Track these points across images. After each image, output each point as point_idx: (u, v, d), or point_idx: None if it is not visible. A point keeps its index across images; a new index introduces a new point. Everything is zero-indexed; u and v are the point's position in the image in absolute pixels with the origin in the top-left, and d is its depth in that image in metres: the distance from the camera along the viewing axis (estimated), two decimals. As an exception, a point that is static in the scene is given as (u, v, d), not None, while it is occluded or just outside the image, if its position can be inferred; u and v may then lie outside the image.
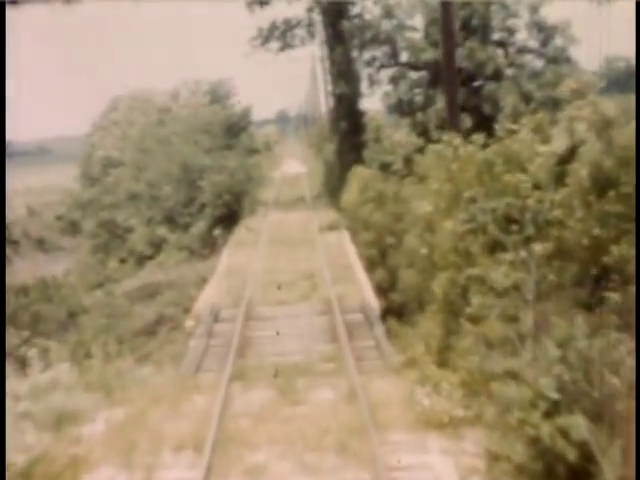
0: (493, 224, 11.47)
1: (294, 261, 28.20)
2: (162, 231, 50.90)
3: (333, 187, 49.17)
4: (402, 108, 43.68)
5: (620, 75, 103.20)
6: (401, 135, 49.21)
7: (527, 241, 11.29)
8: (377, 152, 46.93)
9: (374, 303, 21.95)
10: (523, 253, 11.20)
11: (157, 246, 50.13)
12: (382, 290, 27.30)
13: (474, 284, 11.78)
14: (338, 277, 25.10)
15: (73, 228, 62.30)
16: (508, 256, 11.25)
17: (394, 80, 43.55)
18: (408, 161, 42.79)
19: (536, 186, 11.99)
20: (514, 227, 11.50)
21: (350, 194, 36.67)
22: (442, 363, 13.42)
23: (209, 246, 47.43)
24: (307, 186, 59.19)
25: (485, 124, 41.01)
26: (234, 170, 53.90)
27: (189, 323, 21.79)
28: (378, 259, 32.28)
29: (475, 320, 11.52)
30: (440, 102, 40.71)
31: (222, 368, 16.34)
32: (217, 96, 72.87)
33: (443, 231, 13.19)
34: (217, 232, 47.70)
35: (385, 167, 42.46)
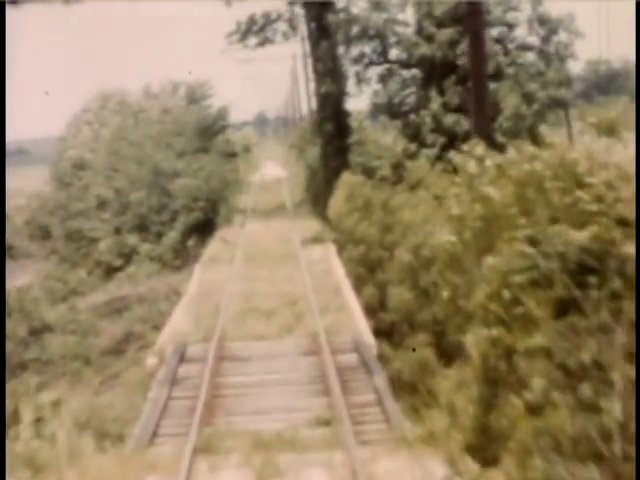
0: (562, 274, 8.07)
1: (274, 283, 24.58)
2: (132, 240, 47.39)
3: (316, 194, 45.91)
4: (392, 109, 40.21)
5: (601, 79, 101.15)
6: (388, 138, 46.36)
7: (612, 298, 7.90)
8: (360, 155, 44.02)
9: (369, 338, 18.55)
10: (606, 316, 7.84)
11: (126, 256, 46.66)
12: (371, 309, 24.20)
13: (534, 358, 8.37)
14: (326, 304, 21.61)
15: (42, 234, 58.84)
16: (584, 320, 7.89)
17: (384, 78, 40.02)
18: (397, 167, 39.76)
19: (621, 220, 8.52)
20: (591, 278, 8.08)
21: (335, 203, 33.45)
22: (476, 447, 10.04)
23: (182, 257, 44.14)
24: (288, 192, 55.67)
25: (483, 127, 37.81)
26: (209, 175, 50.52)
27: (151, 361, 18.30)
28: (366, 274, 29.60)
29: (536, 409, 8.13)
30: (435, 103, 37.45)
31: (185, 433, 12.94)
32: (194, 97, 69.24)
33: (481, 272, 9.75)
34: (191, 242, 44.49)
35: (369, 172, 39.45)
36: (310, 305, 21.23)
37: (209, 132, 60.84)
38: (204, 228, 44.86)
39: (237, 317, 20.47)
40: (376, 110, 41.58)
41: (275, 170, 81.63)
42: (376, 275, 29.97)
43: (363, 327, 19.52)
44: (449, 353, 30.36)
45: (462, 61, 37.16)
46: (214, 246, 34.47)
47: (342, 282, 25.15)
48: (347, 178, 33.68)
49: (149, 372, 18.10)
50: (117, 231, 48.87)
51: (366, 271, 29.38)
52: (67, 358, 36.20)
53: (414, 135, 39.01)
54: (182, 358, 17.69)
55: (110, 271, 45.98)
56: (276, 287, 23.74)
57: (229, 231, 38.59)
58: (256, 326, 19.53)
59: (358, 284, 26.99)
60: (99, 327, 39.40)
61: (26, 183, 69.72)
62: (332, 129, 41.80)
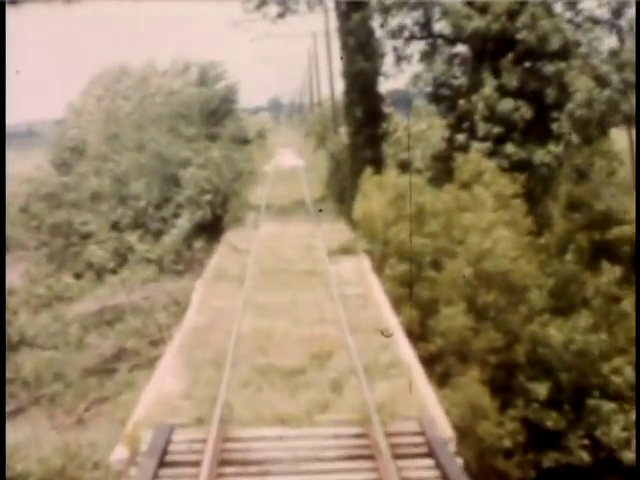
0: None
1: (298, 319, 18.12)
2: (129, 238, 41.65)
3: (341, 190, 40.12)
4: (436, 92, 33.96)
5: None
6: (422, 126, 41.10)
7: None
8: (390, 146, 38.75)
9: (444, 425, 12.40)
10: None
11: (121, 257, 40.96)
12: (409, 334, 18.42)
13: None
14: (372, 356, 15.37)
15: (37, 224, 53.33)
16: None
17: (427, 56, 33.67)
18: (437, 160, 34.24)
19: None
20: None
21: (373, 204, 27.67)
22: None
23: (184, 261, 38.55)
24: (306, 185, 49.41)
25: (548, 114, 31.87)
26: (220, 163, 44.68)
27: (118, 455, 12.20)
28: (405, 292, 24.54)
29: None
30: (488, 86, 31.36)
31: None
32: (206, 79, 63.54)
33: None
34: (195, 244, 38.94)
35: (403, 166, 34.16)
36: (351, 360, 15.03)
37: (218, 114, 54.89)
38: (211, 227, 39.20)
39: (247, 382, 14.19)
40: (417, 93, 35.42)
41: (291, 159, 75.65)
42: (417, 292, 25.16)
43: (431, 400, 13.41)
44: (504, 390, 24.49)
45: (523, 35, 31.07)
46: (221, 255, 28.34)
47: (387, 315, 19.07)
48: (392, 178, 27.77)
49: (115, 471, 12.11)
50: (112, 227, 43.18)
51: (407, 288, 24.35)
52: (46, 379, 31.40)
53: (459, 124, 33.00)
54: (163, 458, 11.53)
55: (102, 273, 40.50)
56: (301, 327, 17.46)
57: (240, 234, 32.46)
58: (275, 400, 13.21)
59: (395, 303, 21.66)
60: (86, 341, 34.67)
61: (31, 167, 65.05)
62: (362, 115, 35.97)
